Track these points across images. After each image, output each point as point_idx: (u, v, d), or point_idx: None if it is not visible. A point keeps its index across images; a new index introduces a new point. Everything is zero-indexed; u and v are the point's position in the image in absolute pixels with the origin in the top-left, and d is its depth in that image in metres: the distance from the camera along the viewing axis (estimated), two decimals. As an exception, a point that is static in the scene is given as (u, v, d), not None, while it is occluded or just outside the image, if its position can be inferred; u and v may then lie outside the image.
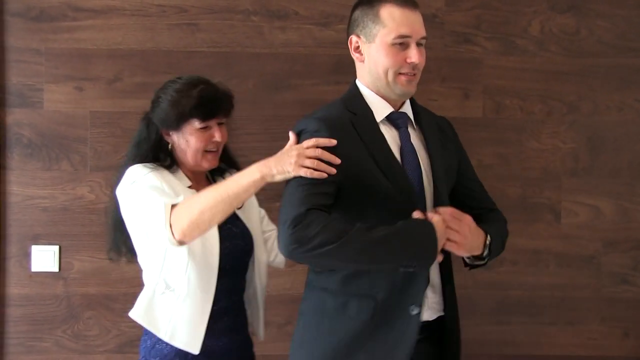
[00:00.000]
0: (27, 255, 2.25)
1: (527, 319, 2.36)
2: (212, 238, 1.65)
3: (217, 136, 1.69)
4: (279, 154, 1.49)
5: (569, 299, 2.36)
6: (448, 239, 1.48)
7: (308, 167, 1.43)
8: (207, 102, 1.66)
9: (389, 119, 1.59)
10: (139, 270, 2.22)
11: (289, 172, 1.44)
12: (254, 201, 1.87)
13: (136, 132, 1.74)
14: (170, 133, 1.69)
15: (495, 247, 1.60)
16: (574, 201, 2.36)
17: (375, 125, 1.56)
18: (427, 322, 1.57)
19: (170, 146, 1.70)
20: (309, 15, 2.29)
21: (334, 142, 1.46)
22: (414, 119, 1.64)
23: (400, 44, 1.52)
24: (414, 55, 1.52)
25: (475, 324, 2.33)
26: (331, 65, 2.29)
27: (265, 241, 1.87)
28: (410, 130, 1.61)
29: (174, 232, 1.52)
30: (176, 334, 1.62)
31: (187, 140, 1.67)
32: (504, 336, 2.35)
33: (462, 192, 1.71)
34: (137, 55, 2.25)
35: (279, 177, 1.46)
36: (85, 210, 2.25)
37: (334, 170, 1.45)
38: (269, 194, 1.87)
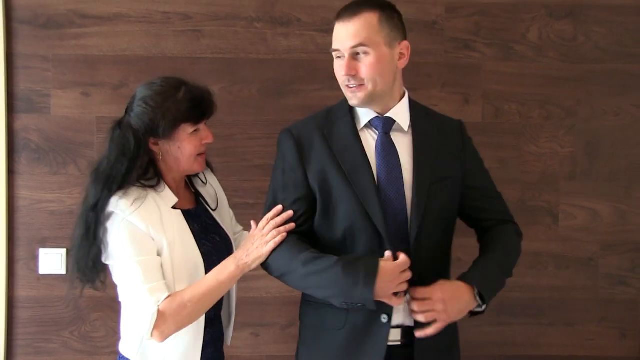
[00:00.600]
0: (35, 258, 2.28)
1: (526, 319, 2.39)
2: (201, 272, 1.63)
3: (209, 138, 1.65)
4: (243, 245, 1.62)
5: (568, 300, 2.39)
6: (433, 320, 1.50)
7: (272, 240, 1.57)
8: (198, 104, 1.60)
9: (371, 124, 1.60)
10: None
11: (261, 255, 1.57)
12: (225, 202, 1.87)
13: (113, 141, 1.59)
14: (160, 142, 1.60)
15: (492, 285, 1.56)
16: (572, 204, 2.39)
17: (352, 132, 1.58)
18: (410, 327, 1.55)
19: (160, 156, 1.62)
20: (311, 22, 2.31)
21: (287, 215, 1.57)
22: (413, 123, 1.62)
23: (339, 57, 1.55)
24: (341, 68, 1.54)
25: (475, 325, 2.35)
26: (333, 71, 2.29)
27: (234, 241, 1.86)
28: (399, 135, 1.59)
29: (155, 335, 1.53)
30: None
31: (180, 147, 1.60)
32: (504, 337, 2.38)
33: (469, 202, 1.66)
34: (142, 62, 2.28)
35: (255, 264, 1.59)
36: (92, 213, 2.28)
37: (293, 226, 1.57)
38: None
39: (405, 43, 1.57)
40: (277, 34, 2.31)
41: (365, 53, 1.51)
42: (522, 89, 2.37)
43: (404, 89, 1.67)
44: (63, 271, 2.28)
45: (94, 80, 2.27)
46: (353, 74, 1.52)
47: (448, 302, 1.48)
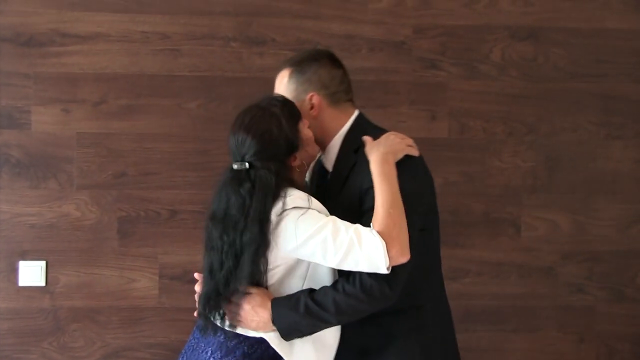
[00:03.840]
0: (15, 271, 2.30)
1: (491, 326, 2.46)
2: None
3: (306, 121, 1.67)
4: (383, 142, 1.56)
5: (529, 307, 2.47)
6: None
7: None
8: (287, 101, 1.63)
9: None
10: (123, 284, 2.33)
11: (403, 152, 1.57)
12: None
13: (237, 193, 1.55)
14: (297, 153, 1.60)
15: (286, 318, 1.47)
16: (534, 216, 2.46)
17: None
18: None
19: (298, 162, 1.62)
20: (285, 41, 2.38)
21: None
22: None
23: None
24: None
25: (442, 332, 2.44)
26: (306, 89, 2.41)
27: None
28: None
29: (392, 255, 1.43)
30: None
31: (307, 141, 1.62)
32: (469, 343, 2.42)
33: None
34: (122, 79, 2.33)
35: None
36: (71, 226, 2.32)
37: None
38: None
39: (314, 95, 1.61)
40: (253, 53, 2.37)
41: None
42: (486, 106, 2.45)
43: (344, 127, 1.66)
44: (42, 283, 2.31)
45: (75, 97, 2.31)
46: None
47: (247, 311, 1.49)
